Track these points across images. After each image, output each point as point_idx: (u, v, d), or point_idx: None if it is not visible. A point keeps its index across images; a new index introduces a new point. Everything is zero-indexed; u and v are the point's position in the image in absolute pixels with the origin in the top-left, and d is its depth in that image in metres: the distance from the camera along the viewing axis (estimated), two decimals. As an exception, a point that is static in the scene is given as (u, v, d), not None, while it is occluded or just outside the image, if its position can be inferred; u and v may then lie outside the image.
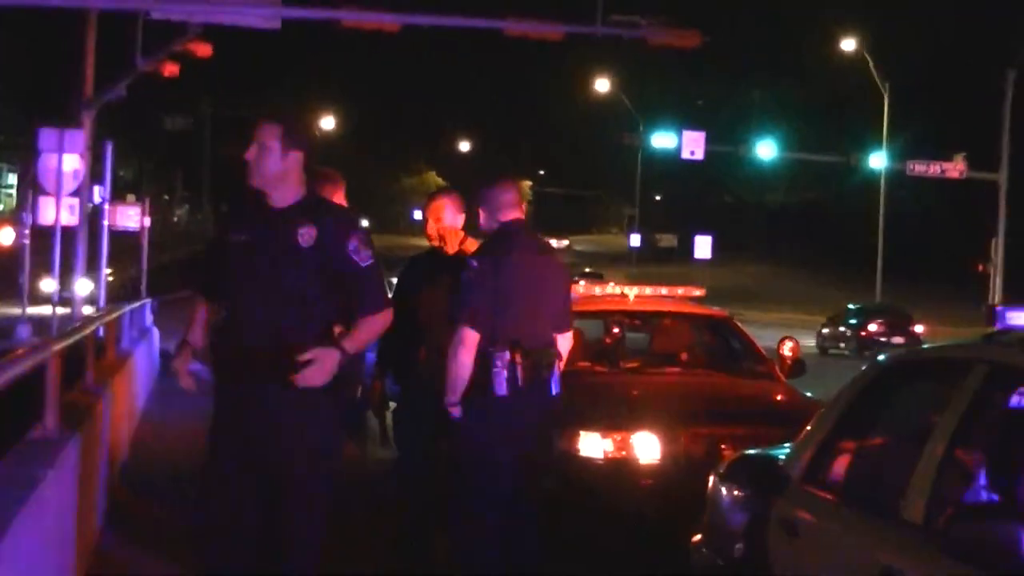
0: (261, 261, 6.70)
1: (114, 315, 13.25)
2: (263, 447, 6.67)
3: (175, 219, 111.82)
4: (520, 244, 8.37)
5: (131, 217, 37.11)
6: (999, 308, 7.28)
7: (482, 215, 8.58)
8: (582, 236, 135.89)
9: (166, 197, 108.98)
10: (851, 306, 50.97)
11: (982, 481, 5.68)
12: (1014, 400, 5.85)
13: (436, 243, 9.29)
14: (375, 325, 6.84)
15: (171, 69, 31.42)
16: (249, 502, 6.72)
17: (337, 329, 6.75)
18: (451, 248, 9.21)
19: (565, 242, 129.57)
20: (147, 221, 39.05)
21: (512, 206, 8.50)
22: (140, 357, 19.11)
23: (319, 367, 6.59)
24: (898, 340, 45.41)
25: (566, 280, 8.73)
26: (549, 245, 8.88)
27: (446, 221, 9.26)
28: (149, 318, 27.69)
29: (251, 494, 6.72)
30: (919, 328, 48.30)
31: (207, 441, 6.89)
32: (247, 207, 6.95)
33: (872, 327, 47.81)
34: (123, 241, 41.99)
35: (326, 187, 8.78)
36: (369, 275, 6.79)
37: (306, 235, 6.69)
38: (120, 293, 41.84)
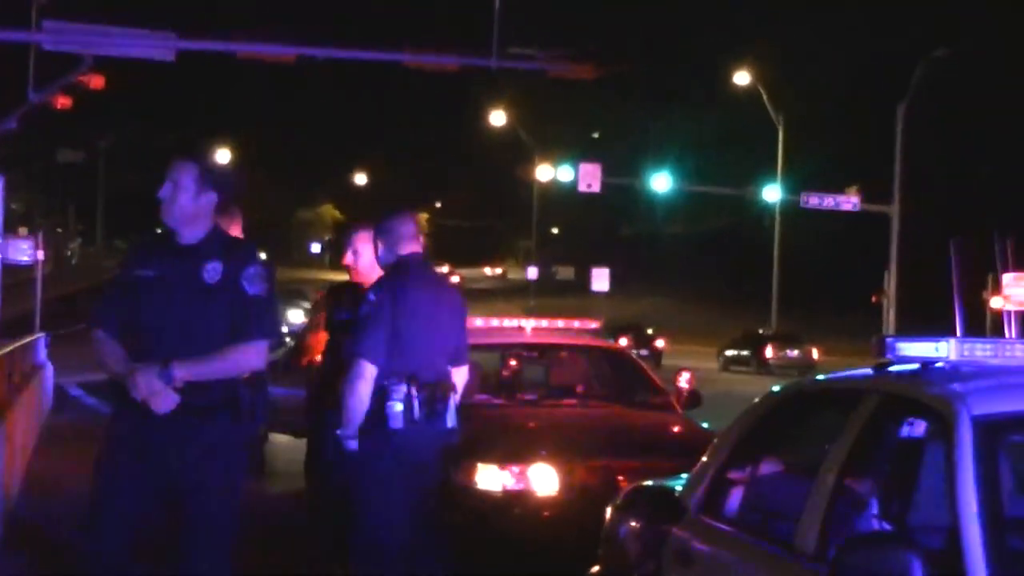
0: (169, 298, 6.61)
1: (5, 350, 13.07)
2: (166, 482, 6.56)
3: (68, 253, 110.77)
4: (418, 277, 8.38)
5: (24, 251, 36.69)
6: (889, 339, 7.34)
7: (380, 248, 8.58)
8: (475, 269, 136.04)
9: (59, 230, 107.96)
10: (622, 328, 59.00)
11: (874, 510, 5.74)
12: (904, 430, 5.92)
13: (358, 277, 9.25)
14: (244, 353, 6.65)
15: (64, 101, 31.20)
16: (141, 533, 6.62)
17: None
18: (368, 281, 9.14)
19: (499, 270, 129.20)
20: (40, 254, 38.62)
21: (410, 239, 8.50)
22: (33, 393, 18.88)
23: (142, 386, 6.42)
24: (643, 352, 53.77)
25: (462, 314, 8.74)
26: (446, 278, 8.91)
27: (368, 254, 9.20)
28: (43, 353, 27.38)
29: (144, 527, 6.62)
30: (660, 343, 59.90)
31: (98, 472, 6.73)
32: (153, 243, 6.90)
33: (622, 341, 54.75)
34: (15, 275, 41.50)
35: (222, 219, 8.75)
36: (255, 303, 6.65)
37: (213, 271, 6.62)
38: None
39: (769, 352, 56.34)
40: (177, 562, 6.64)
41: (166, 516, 6.68)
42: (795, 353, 56.80)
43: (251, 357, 6.70)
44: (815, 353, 57.10)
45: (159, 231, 6.89)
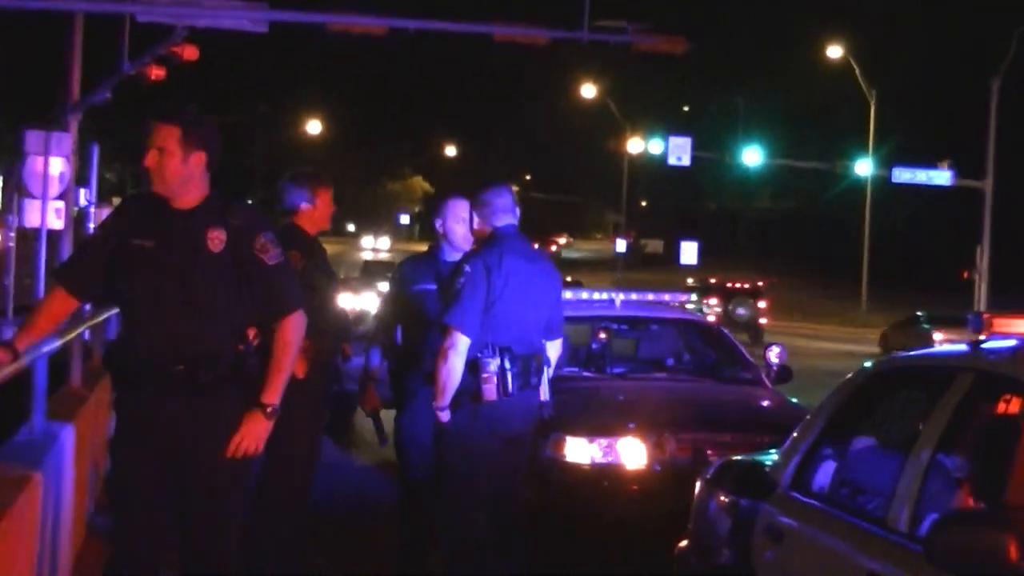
0: (168, 269, 6.31)
1: (101, 318, 13.17)
2: (175, 458, 6.34)
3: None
4: (513, 249, 8.35)
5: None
6: (986, 316, 7.28)
7: (476, 219, 8.55)
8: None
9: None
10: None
11: (968, 488, 5.70)
12: (999, 407, 5.87)
13: (451, 245, 9.23)
14: (291, 335, 6.47)
15: (157, 72, 31.42)
16: (164, 513, 6.44)
17: (251, 333, 6.43)
18: (455, 255, 9.13)
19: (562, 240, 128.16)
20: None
21: (506, 211, 8.46)
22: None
23: (252, 440, 6.37)
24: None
25: (557, 286, 8.71)
26: (541, 251, 8.88)
27: (461, 225, 9.17)
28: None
29: (165, 506, 6.42)
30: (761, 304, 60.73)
31: (113, 455, 6.56)
32: (147, 207, 6.47)
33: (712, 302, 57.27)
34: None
35: (312, 188, 8.77)
36: (277, 274, 6.42)
37: (216, 239, 6.32)
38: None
39: None
40: (183, 540, 6.50)
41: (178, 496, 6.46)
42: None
43: (297, 331, 6.51)
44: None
45: (148, 193, 6.47)
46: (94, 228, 6.71)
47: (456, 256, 8.99)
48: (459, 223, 9.14)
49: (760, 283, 57.63)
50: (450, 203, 9.30)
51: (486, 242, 8.41)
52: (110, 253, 6.41)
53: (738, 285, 56.28)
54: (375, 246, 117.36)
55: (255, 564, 8.09)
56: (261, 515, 8.26)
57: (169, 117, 6.39)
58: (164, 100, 6.78)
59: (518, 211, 8.55)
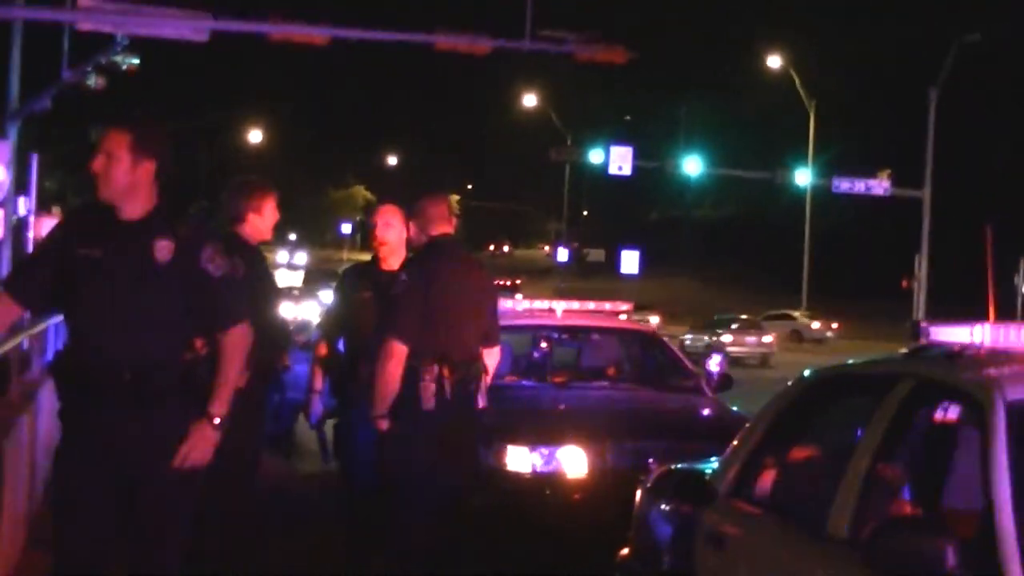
0: (116, 279, 6.21)
1: (39, 328, 13.07)
2: (122, 468, 6.23)
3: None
4: (449, 258, 8.37)
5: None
6: (924, 324, 7.42)
7: (412, 228, 8.58)
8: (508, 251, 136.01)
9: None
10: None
11: (906, 495, 5.74)
12: (938, 415, 5.91)
13: (383, 254, 9.27)
14: (236, 346, 6.41)
15: (98, 81, 31.31)
16: (108, 524, 6.30)
17: (199, 343, 6.35)
18: (393, 263, 9.16)
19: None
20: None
21: (442, 220, 8.49)
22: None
23: (199, 451, 6.29)
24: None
25: (494, 295, 8.74)
26: (478, 259, 8.91)
27: (395, 234, 9.23)
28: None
29: (110, 517, 6.29)
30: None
31: (56, 465, 6.45)
32: (94, 217, 6.38)
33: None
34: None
35: (256, 197, 8.74)
36: (222, 286, 6.35)
37: (163, 249, 6.23)
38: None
39: None
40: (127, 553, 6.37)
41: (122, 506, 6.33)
42: None
43: (243, 342, 6.45)
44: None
45: (95, 204, 6.37)
46: (39, 238, 6.64)
47: (394, 264, 9.02)
48: (390, 228, 9.22)
49: (518, 280, 78.84)
50: (382, 209, 9.39)
51: (423, 251, 8.43)
52: (58, 262, 6.32)
53: (502, 283, 70.32)
54: (291, 261, 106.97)
55: (198, 572, 8.05)
56: (204, 524, 8.22)
57: (121, 122, 6.33)
58: (123, 108, 6.71)
59: (454, 220, 8.58)
